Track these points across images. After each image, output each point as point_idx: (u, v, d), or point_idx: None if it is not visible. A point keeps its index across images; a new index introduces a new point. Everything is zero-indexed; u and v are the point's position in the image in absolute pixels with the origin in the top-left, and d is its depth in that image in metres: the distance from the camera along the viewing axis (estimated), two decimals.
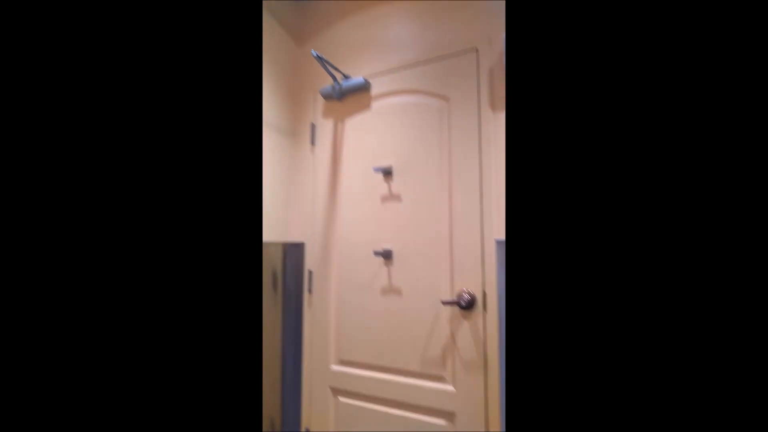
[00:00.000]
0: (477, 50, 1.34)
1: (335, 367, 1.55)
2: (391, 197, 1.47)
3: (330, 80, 1.68)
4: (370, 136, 1.54)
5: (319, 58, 1.42)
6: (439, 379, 1.32)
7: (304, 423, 1.60)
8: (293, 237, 1.72)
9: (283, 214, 1.70)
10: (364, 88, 1.55)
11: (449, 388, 1.30)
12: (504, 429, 1.20)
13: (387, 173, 1.49)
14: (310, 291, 1.65)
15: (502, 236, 1.25)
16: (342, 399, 1.52)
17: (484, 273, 1.27)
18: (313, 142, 1.70)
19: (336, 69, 1.54)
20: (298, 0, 1.80)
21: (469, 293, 1.28)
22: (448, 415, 1.29)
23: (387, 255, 1.45)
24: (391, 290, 1.44)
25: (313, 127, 1.71)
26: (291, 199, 1.74)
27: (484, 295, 1.26)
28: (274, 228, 1.65)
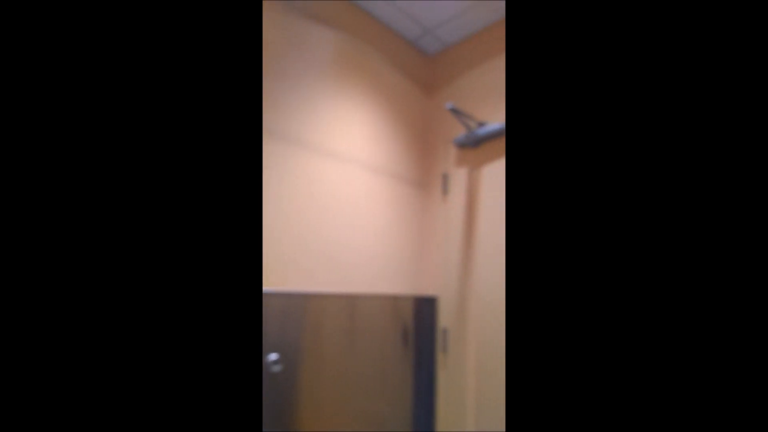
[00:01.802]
0: None
1: None
2: None
3: (464, 130, 1.63)
4: None
5: (454, 111, 1.39)
6: None
7: None
8: (426, 291, 1.65)
9: (414, 267, 1.65)
10: (501, 133, 1.45)
11: None
12: None
13: None
14: (444, 350, 1.53)
15: None
16: None
17: None
18: (445, 192, 1.64)
19: (470, 117, 1.48)
20: (426, 54, 1.84)
21: None
22: None
23: None
24: None
25: (445, 177, 1.66)
26: (423, 251, 1.68)
27: None
28: (405, 280, 1.61)
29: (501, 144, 1.48)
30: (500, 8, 1.51)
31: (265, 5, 1.23)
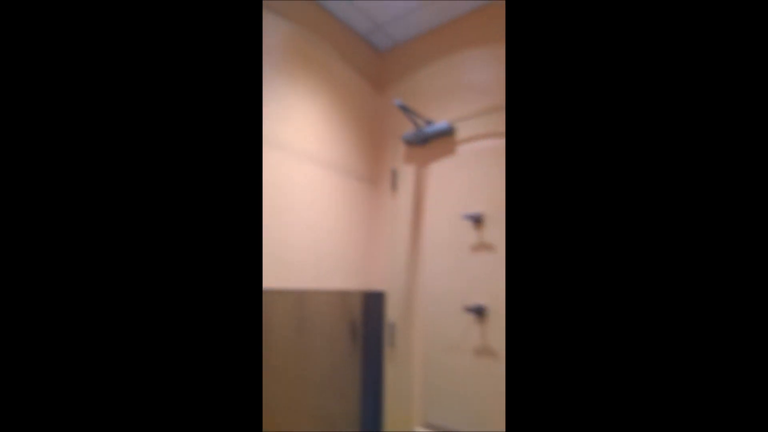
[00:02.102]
0: None
1: (420, 429, 1.42)
2: (483, 247, 1.36)
3: (412, 126, 1.66)
4: (457, 181, 1.47)
5: (402, 107, 1.40)
6: None
7: None
8: (374, 286, 1.66)
9: (363, 262, 1.66)
10: (448, 132, 1.50)
11: None
12: None
13: (477, 221, 1.39)
14: (392, 344, 1.56)
15: None
16: None
17: None
18: (394, 188, 1.66)
19: (418, 116, 1.50)
20: (378, 50, 1.84)
21: None
22: None
23: (479, 311, 1.33)
24: (485, 351, 1.30)
25: (394, 172, 1.68)
26: (371, 246, 1.69)
27: None
28: (354, 275, 1.61)
29: (448, 142, 1.52)
30: (450, 9, 1.55)
31: None
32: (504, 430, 1.22)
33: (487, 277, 1.34)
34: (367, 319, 1.63)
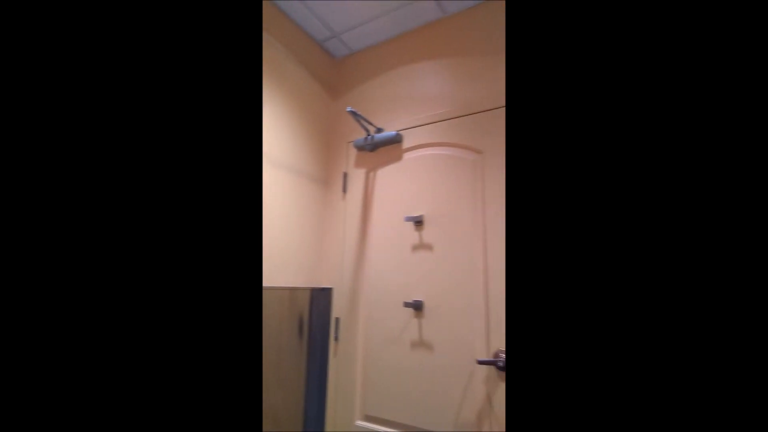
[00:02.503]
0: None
1: (360, 423, 1.49)
2: (422, 246, 1.47)
3: (363, 132, 1.74)
4: (402, 186, 1.57)
5: (353, 113, 1.48)
6: None
7: None
8: (322, 283, 1.72)
9: (312, 259, 1.72)
10: (396, 140, 1.60)
11: None
12: None
13: (418, 223, 1.49)
14: (336, 339, 1.62)
15: None
16: None
17: None
18: (344, 190, 1.74)
19: (369, 122, 1.59)
20: (333, 57, 1.91)
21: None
22: None
23: (417, 306, 1.43)
24: (421, 344, 1.41)
25: (345, 175, 1.75)
26: (321, 245, 1.75)
27: None
28: (303, 273, 1.66)
29: (395, 149, 1.62)
30: (403, 23, 1.66)
31: None
32: (433, 420, 1.32)
33: (425, 275, 1.44)
34: (314, 315, 1.68)
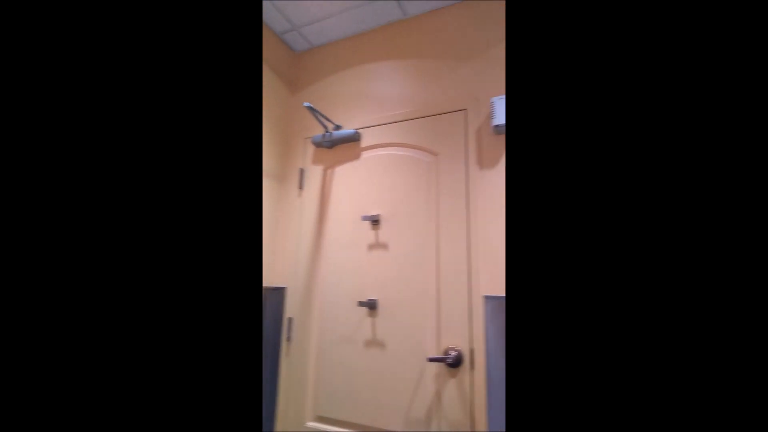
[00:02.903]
0: (466, 110, 1.42)
1: (311, 424, 1.47)
2: (378, 246, 1.47)
3: (321, 129, 1.72)
4: (359, 184, 1.56)
5: (311, 109, 1.46)
6: None
7: None
8: (275, 282, 1.67)
9: (265, 258, 1.66)
10: (354, 138, 1.59)
11: None
12: None
13: (375, 222, 1.49)
14: (288, 339, 1.58)
15: (490, 292, 1.26)
16: None
17: (472, 329, 1.26)
18: (301, 187, 1.70)
19: (327, 119, 1.57)
20: (293, 50, 1.87)
21: (457, 350, 1.26)
22: None
23: (372, 305, 1.43)
24: (374, 343, 1.41)
25: (302, 172, 1.71)
26: (276, 242, 1.70)
27: (472, 352, 1.25)
28: None
29: (353, 148, 1.61)
30: (365, 20, 1.65)
31: None
32: (387, 419, 1.33)
33: (380, 274, 1.45)
34: (267, 315, 1.63)
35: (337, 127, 1.63)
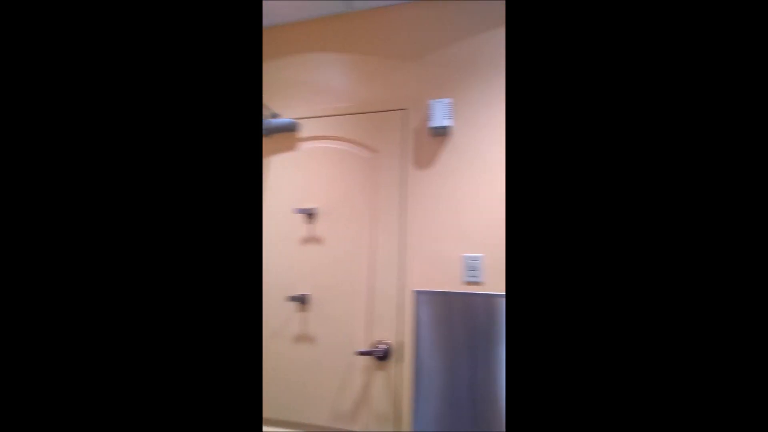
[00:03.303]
0: (406, 110, 1.45)
1: None
2: (312, 239, 1.45)
3: None
4: (295, 176, 1.52)
5: None
6: None
7: None
8: None
9: None
10: (292, 128, 1.54)
11: None
12: None
13: (310, 215, 1.46)
14: None
15: (420, 287, 1.31)
16: None
17: (401, 324, 1.29)
18: None
19: (264, 106, 1.50)
20: None
21: (386, 344, 1.28)
22: None
23: (302, 300, 1.40)
24: (304, 338, 1.38)
25: None
26: None
27: (400, 345, 1.28)
28: None
29: (291, 138, 1.56)
30: (310, 8, 1.60)
31: None
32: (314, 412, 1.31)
33: (313, 268, 1.42)
34: None
35: (275, 115, 1.57)
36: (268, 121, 1.54)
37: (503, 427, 1.15)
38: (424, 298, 1.28)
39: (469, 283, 1.26)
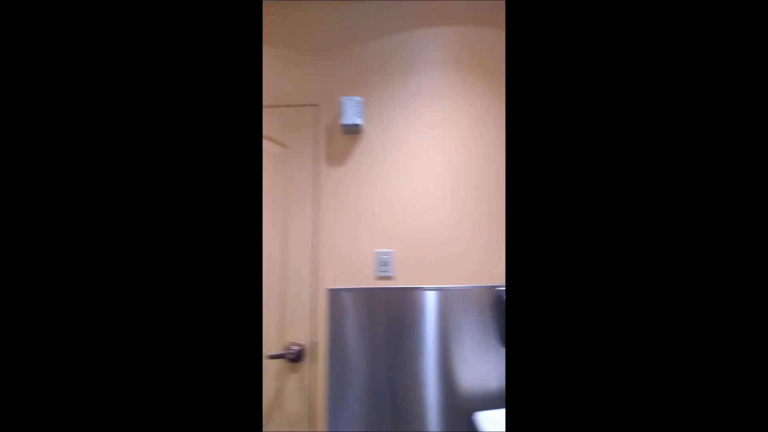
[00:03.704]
0: (317, 106, 1.42)
1: None
2: None
3: None
4: None
5: None
6: None
7: None
8: None
9: None
10: None
11: None
12: None
13: None
14: None
15: (333, 285, 1.30)
16: None
17: (315, 323, 1.28)
18: None
19: None
20: None
21: (299, 345, 1.25)
22: None
23: None
24: None
25: None
26: None
27: (313, 345, 1.26)
28: None
29: None
30: None
31: None
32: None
33: None
34: None
35: None
36: None
37: (423, 423, 1.20)
38: (337, 295, 1.28)
39: (381, 278, 1.29)
